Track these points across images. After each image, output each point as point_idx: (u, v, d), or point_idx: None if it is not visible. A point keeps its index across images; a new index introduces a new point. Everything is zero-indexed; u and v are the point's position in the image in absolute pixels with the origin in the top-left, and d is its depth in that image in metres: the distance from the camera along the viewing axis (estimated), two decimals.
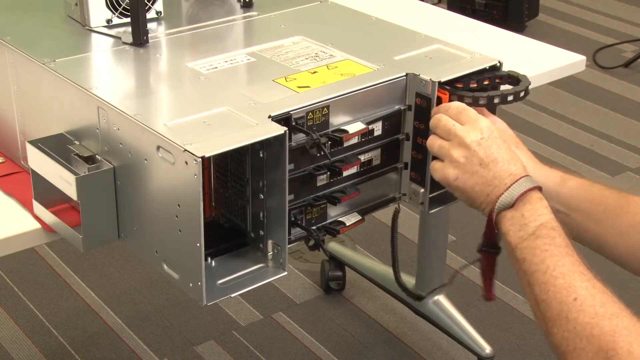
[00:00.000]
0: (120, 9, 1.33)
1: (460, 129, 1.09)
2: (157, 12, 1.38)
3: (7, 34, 1.28)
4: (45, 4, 1.44)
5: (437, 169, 1.12)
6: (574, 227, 1.14)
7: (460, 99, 1.16)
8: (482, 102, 1.17)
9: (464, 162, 1.08)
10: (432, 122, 1.13)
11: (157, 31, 1.35)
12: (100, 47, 1.30)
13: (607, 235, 1.13)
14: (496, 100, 1.17)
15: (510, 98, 1.17)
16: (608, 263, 1.15)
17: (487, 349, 2.03)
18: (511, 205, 1.05)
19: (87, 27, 1.33)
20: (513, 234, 1.04)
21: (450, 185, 1.11)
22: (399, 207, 1.29)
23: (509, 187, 1.05)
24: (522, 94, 1.19)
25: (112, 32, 1.32)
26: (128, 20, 1.31)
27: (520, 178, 1.06)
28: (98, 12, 1.33)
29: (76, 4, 1.34)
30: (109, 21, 1.34)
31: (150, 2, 1.36)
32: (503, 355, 2.15)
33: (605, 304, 0.94)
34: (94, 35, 1.33)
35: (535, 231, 1.02)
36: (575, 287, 0.96)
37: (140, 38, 1.27)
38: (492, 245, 1.11)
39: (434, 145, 1.12)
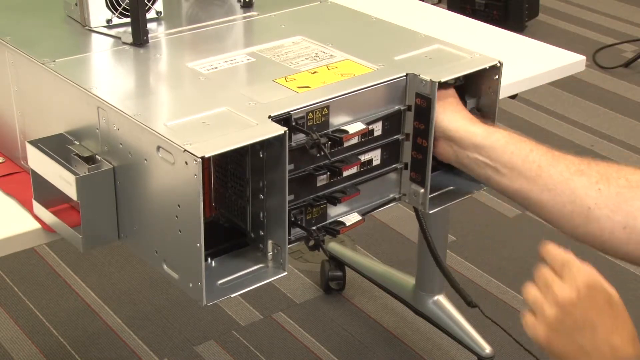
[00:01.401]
0: (120, 9, 1.33)
1: (558, 285, 0.96)
2: (157, 12, 1.37)
3: (7, 34, 1.28)
4: (45, 4, 1.44)
5: (530, 326, 0.98)
6: (503, 183, 1.13)
7: None
8: None
9: (555, 322, 0.95)
10: (538, 275, 1.00)
11: (157, 31, 1.35)
12: (100, 47, 1.30)
13: (533, 192, 1.10)
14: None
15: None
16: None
17: (487, 349, 2.03)
18: None
19: (87, 27, 1.33)
20: None
21: (541, 346, 0.96)
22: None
23: None
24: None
25: (112, 32, 1.32)
26: (128, 20, 1.30)
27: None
28: (98, 12, 1.32)
29: (76, 4, 1.33)
30: (109, 21, 1.33)
31: (150, 2, 1.35)
32: (503, 355, 2.15)
33: None
34: (93, 35, 1.32)
35: None
36: None
37: (140, 38, 1.27)
38: None
39: (528, 296, 0.99)
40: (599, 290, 0.95)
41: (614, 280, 0.97)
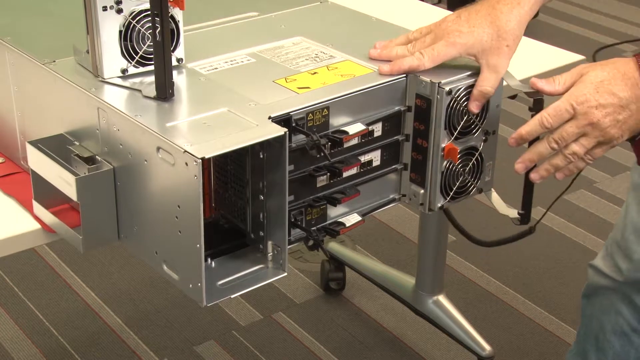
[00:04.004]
0: (137, 57, 1.17)
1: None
2: (178, 60, 1.20)
3: (7, 34, 1.28)
4: (46, 5, 1.44)
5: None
6: None
7: None
8: None
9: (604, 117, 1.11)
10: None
11: None
12: None
13: None
14: None
15: None
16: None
17: (487, 349, 2.03)
18: None
19: (99, 79, 1.16)
20: None
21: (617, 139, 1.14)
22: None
23: None
24: None
25: (128, 83, 1.16)
26: (145, 69, 1.18)
27: None
28: (112, 60, 1.16)
29: (87, 52, 1.17)
30: (124, 71, 1.17)
31: (172, 49, 1.16)
32: (503, 355, 2.15)
33: None
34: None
35: None
36: None
37: (165, 92, 1.11)
38: None
39: (567, 134, 1.13)
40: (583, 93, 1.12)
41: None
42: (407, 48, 1.21)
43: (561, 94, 1.14)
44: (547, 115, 1.13)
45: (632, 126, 1.13)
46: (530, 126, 1.15)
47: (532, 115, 1.17)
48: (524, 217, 1.26)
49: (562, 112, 1.12)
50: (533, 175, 1.18)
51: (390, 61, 1.20)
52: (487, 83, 1.17)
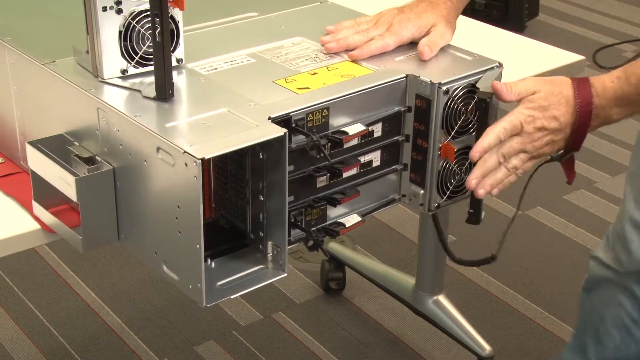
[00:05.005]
0: (137, 58, 1.17)
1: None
2: (178, 60, 1.20)
3: (7, 34, 1.28)
4: (46, 5, 1.44)
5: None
6: None
7: None
8: None
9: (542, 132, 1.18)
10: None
11: None
12: None
13: None
14: None
15: None
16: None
17: (487, 349, 2.03)
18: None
19: (99, 79, 1.17)
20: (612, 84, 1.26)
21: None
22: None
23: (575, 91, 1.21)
24: None
25: (128, 83, 1.16)
26: (145, 69, 1.18)
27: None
28: (112, 61, 1.16)
29: (87, 52, 1.17)
30: (124, 71, 1.17)
31: (171, 49, 1.17)
32: (503, 355, 2.15)
33: None
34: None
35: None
36: None
37: (165, 93, 1.12)
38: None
39: (512, 150, 1.18)
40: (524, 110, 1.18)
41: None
42: (363, 34, 1.28)
43: (511, 102, 1.19)
44: (504, 129, 1.17)
45: (562, 145, 1.23)
46: (491, 138, 1.17)
47: (478, 113, 1.20)
48: (472, 216, 1.28)
49: (516, 128, 1.17)
50: (480, 192, 1.20)
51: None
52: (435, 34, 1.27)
